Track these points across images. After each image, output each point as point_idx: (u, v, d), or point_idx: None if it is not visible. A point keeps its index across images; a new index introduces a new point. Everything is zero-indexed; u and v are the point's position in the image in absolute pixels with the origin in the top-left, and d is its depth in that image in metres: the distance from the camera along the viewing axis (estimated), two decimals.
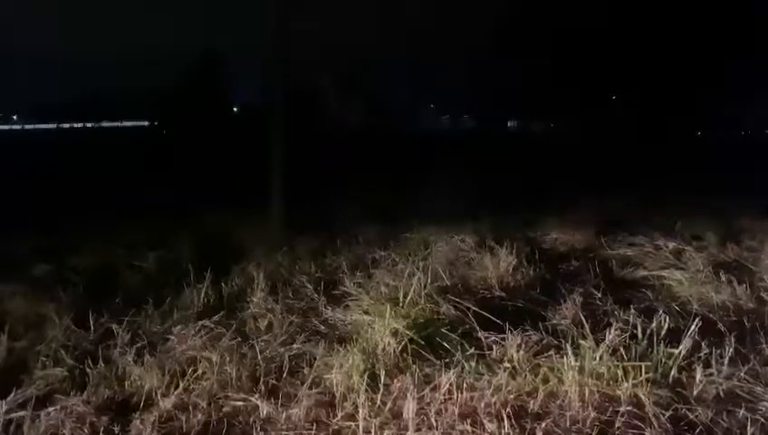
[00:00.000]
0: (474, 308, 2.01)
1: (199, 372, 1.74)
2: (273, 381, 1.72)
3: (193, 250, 3.04)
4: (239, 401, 1.62)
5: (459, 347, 1.78)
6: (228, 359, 1.78)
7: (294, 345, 1.91)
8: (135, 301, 2.29)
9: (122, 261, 2.93)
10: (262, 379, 1.71)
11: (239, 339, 1.93)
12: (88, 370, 1.77)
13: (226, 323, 2.05)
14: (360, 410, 1.51)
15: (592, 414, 1.48)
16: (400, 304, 2.04)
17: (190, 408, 1.60)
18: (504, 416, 1.47)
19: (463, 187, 4.73)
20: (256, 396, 1.62)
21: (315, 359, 1.79)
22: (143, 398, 1.64)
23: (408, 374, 1.65)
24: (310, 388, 1.65)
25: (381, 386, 1.60)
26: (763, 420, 1.49)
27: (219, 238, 3.35)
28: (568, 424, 1.46)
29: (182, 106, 15.92)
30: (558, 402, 1.55)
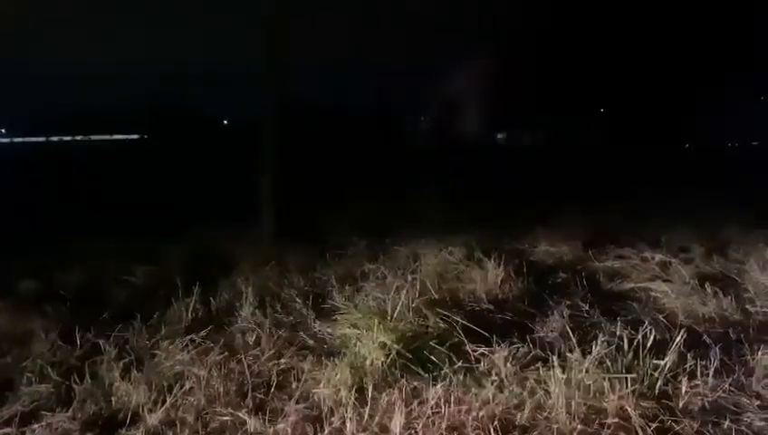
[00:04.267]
0: (462, 321, 2.02)
1: (187, 387, 1.73)
2: (261, 396, 1.71)
3: (182, 264, 3.03)
4: (226, 416, 1.61)
5: (447, 360, 1.78)
6: (216, 374, 1.78)
7: (282, 360, 1.91)
8: (123, 316, 2.28)
9: (110, 276, 2.90)
10: (249, 394, 1.71)
11: (227, 354, 1.93)
12: (74, 386, 1.76)
13: (215, 338, 2.05)
14: (348, 425, 1.52)
15: (579, 427, 1.49)
16: (389, 318, 2.04)
17: (177, 423, 1.59)
18: (492, 429, 1.48)
19: (454, 198, 4.76)
20: (244, 411, 1.61)
21: (303, 373, 1.79)
22: (129, 414, 1.64)
23: (395, 388, 1.65)
24: (297, 402, 1.65)
25: (369, 400, 1.60)
26: (747, 431, 1.50)
27: (208, 252, 3.34)
28: None
29: (172, 119, 15.93)
30: (545, 415, 1.55)
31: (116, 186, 6.44)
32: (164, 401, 1.66)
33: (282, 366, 1.87)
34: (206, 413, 1.63)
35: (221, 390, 1.72)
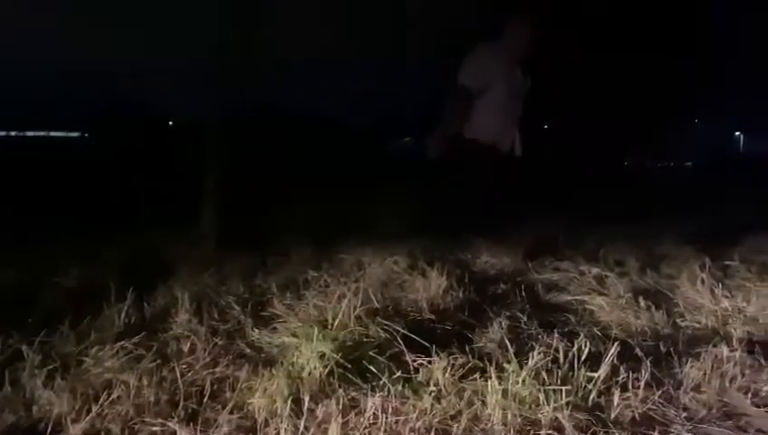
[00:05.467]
0: (403, 331, 2.01)
1: (115, 395, 1.66)
2: (194, 406, 1.65)
3: (117, 267, 2.93)
4: (156, 426, 1.55)
5: (386, 370, 1.77)
6: (147, 382, 1.71)
7: (217, 369, 1.85)
8: (50, 320, 2.17)
9: (40, 278, 2.78)
10: (181, 403, 1.64)
11: (159, 361, 1.86)
12: None
13: (147, 345, 1.97)
14: None
15: None
16: (329, 327, 2.02)
17: (102, 434, 1.53)
18: None
19: (401, 207, 4.78)
20: (174, 421, 1.55)
21: (238, 383, 1.74)
22: (51, 423, 1.55)
23: (333, 399, 1.63)
24: (231, 413, 1.60)
25: (305, 411, 1.57)
26: None
27: (146, 255, 3.25)
28: None
29: (114, 118, 15.46)
30: (481, 426, 1.55)
31: (48, 183, 6.17)
32: (89, 411, 1.58)
33: (216, 375, 1.82)
34: (135, 423, 1.56)
35: (151, 399, 1.65)
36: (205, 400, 1.68)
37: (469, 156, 4.17)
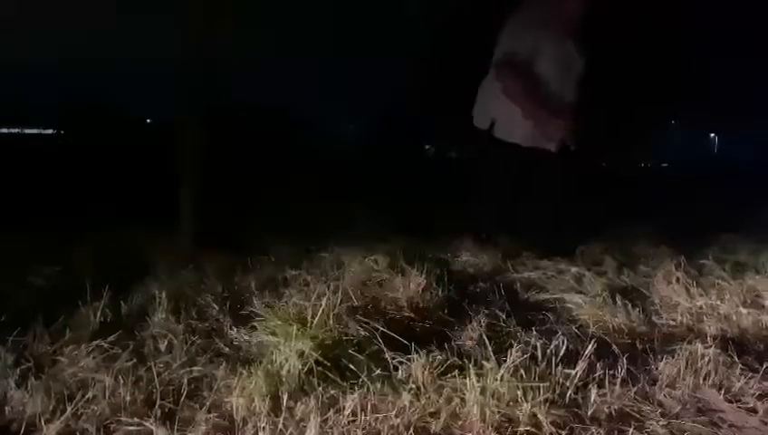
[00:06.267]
0: (382, 329, 2.01)
1: (90, 395, 1.63)
2: (170, 405, 1.63)
3: (93, 266, 2.89)
4: (132, 425, 1.53)
5: (365, 368, 1.77)
6: (122, 381, 1.69)
7: (195, 368, 1.83)
8: (24, 320, 2.13)
9: (13, 276, 2.73)
10: (158, 402, 1.62)
11: (135, 361, 1.84)
12: None
13: (123, 344, 1.94)
14: (261, 434, 1.47)
15: (492, 434, 1.51)
16: (309, 325, 2.01)
17: (77, 434, 1.50)
18: None
19: (382, 207, 4.78)
20: (151, 421, 1.53)
21: (216, 382, 1.73)
22: (24, 424, 1.52)
23: (312, 397, 1.62)
24: (209, 412, 1.58)
25: (284, 409, 1.56)
26: None
27: (123, 254, 3.20)
28: None
29: (89, 115, 15.24)
30: (460, 423, 1.56)
31: (22, 181, 6.07)
32: (64, 411, 1.56)
33: (194, 374, 1.80)
34: (110, 423, 1.54)
35: (127, 398, 1.63)
36: (182, 399, 1.66)
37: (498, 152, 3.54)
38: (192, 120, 3.70)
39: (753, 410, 1.70)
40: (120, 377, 1.71)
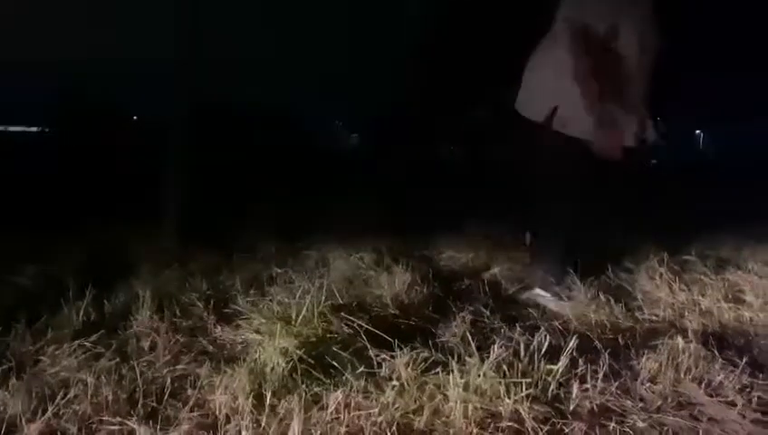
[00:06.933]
0: (366, 326, 2.01)
1: (72, 394, 1.63)
2: (153, 404, 1.63)
3: (76, 264, 2.87)
4: (114, 425, 1.52)
5: (349, 366, 1.78)
6: (105, 381, 1.68)
7: (179, 366, 1.83)
8: (5, 319, 2.12)
9: None
10: (141, 401, 1.62)
11: (118, 359, 1.83)
12: None
13: (106, 343, 1.94)
14: (244, 433, 1.47)
15: (475, 430, 1.52)
16: (293, 323, 2.02)
17: (59, 434, 1.50)
18: (390, 434, 1.48)
19: (367, 203, 4.78)
20: (133, 419, 1.53)
21: (199, 380, 1.73)
22: (5, 424, 1.51)
23: (295, 394, 1.62)
24: (192, 410, 1.58)
25: (267, 407, 1.56)
26: (630, 432, 1.58)
27: (106, 252, 3.19)
28: None
29: (75, 112, 15.12)
30: (443, 419, 1.57)
31: (6, 179, 6.01)
32: (45, 410, 1.55)
33: (177, 373, 1.80)
34: (92, 422, 1.54)
35: (110, 397, 1.62)
36: (165, 397, 1.66)
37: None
38: (178, 117, 3.69)
39: (733, 404, 1.72)
40: (102, 376, 1.70)
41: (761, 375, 1.89)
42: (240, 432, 1.48)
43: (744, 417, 1.67)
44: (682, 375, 1.87)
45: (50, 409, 1.55)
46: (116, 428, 1.51)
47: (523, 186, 2.99)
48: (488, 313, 2.35)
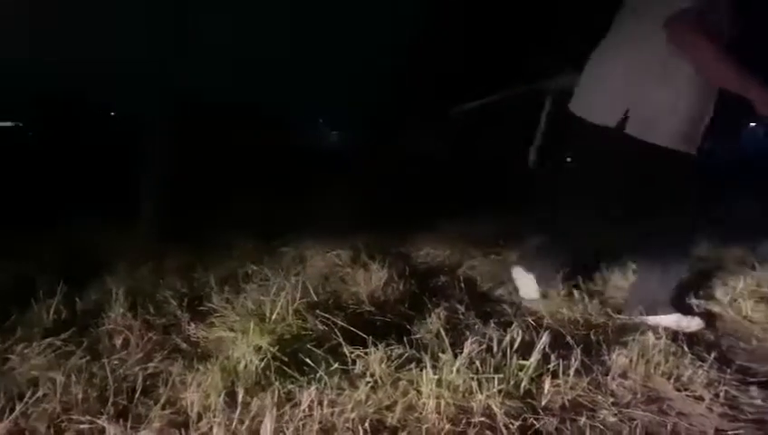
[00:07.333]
0: (342, 323, 2.01)
1: (41, 393, 1.61)
2: (124, 402, 1.62)
3: (48, 262, 2.83)
4: (84, 423, 1.51)
5: (323, 363, 1.77)
6: (75, 379, 1.66)
7: (151, 364, 1.82)
8: None
9: None
10: (111, 399, 1.61)
11: (89, 358, 1.81)
12: None
13: (77, 341, 1.92)
14: (215, 430, 1.47)
15: (447, 426, 1.52)
16: (267, 320, 2.01)
17: (27, 433, 1.48)
18: (362, 431, 1.48)
19: (343, 201, 4.77)
20: (104, 418, 1.52)
21: (172, 378, 1.71)
22: None
23: (268, 392, 1.62)
24: (163, 408, 1.57)
25: (240, 405, 1.56)
26: (601, 426, 1.60)
27: (79, 249, 3.14)
28: None
29: (50, 108, 14.89)
30: (416, 415, 1.58)
31: None
32: (13, 409, 1.53)
33: (149, 370, 1.78)
34: (61, 421, 1.52)
35: (80, 396, 1.60)
36: (136, 395, 1.65)
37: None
38: (156, 114, 3.65)
39: (701, 398, 1.75)
40: (72, 374, 1.68)
41: (728, 370, 1.93)
42: (212, 429, 1.47)
43: (711, 411, 1.70)
44: (652, 370, 1.90)
45: (18, 408, 1.53)
46: (85, 426, 1.50)
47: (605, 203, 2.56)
48: (463, 309, 2.37)
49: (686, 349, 2.03)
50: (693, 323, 2.39)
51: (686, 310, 2.50)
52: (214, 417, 1.51)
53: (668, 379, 1.86)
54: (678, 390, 1.81)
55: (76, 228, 3.49)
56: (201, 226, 3.81)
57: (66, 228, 3.51)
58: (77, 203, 4.23)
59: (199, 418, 1.54)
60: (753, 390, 1.84)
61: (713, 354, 2.00)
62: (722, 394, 1.77)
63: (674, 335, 2.16)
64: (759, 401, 1.76)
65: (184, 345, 2.01)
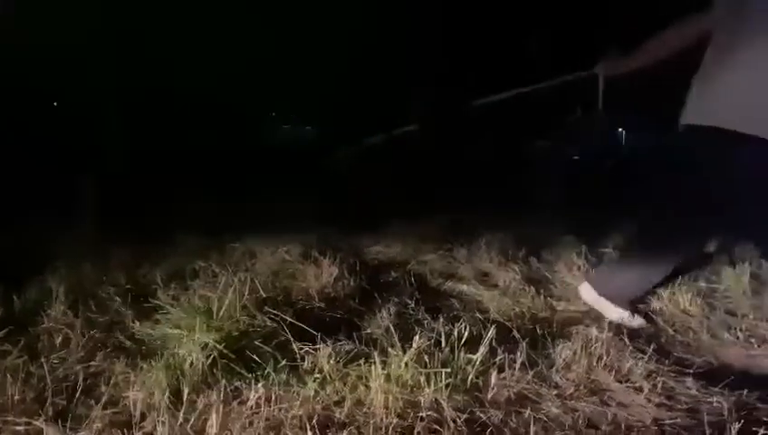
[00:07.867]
0: (290, 320, 2.00)
1: None
2: (63, 402, 1.57)
3: None
4: (20, 425, 1.46)
5: (271, 359, 1.76)
6: (11, 379, 1.60)
7: (92, 362, 1.77)
8: None
9: None
10: (49, 400, 1.56)
11: (27, 357, 1.75)
12: None
13: (14, 340, 1.85)
14: (159, 429, 1.44)
15: (395, 420, 1.53)
16: (214, 317, 1.98)
17: None
18: (310, 427, 1.48)
19: (295, 197, 4.74)
20: (41, 419, 1.47)
21: (114, 376, 1.67)
22: None
23: (215, 390, 1.60)
24: (105, 408, 1.53)
25: (185, 403, 1.53)
26: (545, 418, 1.63)
27: (20, 249, 3.03)
28: (371, 431, 1.50)
29: None
30: (364, 410, 1.58)
31: None
32: None
33: (91, 369, 1.74)
34: None
35: (16, 396, 1.55)
36: (77, 395, 1.61)
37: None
38: (104, 106, 3.56)
39: (640, 389, 1.80)
40: (8, 375, 1.62)
41: (666, 362, 2.00)
42: (156, 429, 1.44)
43: (649, 401, 1.76)
44: (595, 363, 1.95)
45: None
46: (21, 429, 1.45)
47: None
48: (413, 304, 2.38)
49: (627, 342, 2.09)
50: (635, 323, 2.46)
51: (633, 308, 2.56)
52: (158, 416, 1.48)
53: (610, 371, 1.91)
54: (619, 381, 1.86)
55: (16, 227, 3.36)
56: (149, 222, 3.73)
57: (5, 227, 3.37)
58: (17, 201, 4.08)
59: (143, 417, 1.51)
60: (689, 380, 1.91)
61: (652, 347, 2.06)
62: (660, 385, 1.83)
63: (617, 328, 2.22)
64: (694, 392, 1.83)
65: (128, 343, 1.96)
